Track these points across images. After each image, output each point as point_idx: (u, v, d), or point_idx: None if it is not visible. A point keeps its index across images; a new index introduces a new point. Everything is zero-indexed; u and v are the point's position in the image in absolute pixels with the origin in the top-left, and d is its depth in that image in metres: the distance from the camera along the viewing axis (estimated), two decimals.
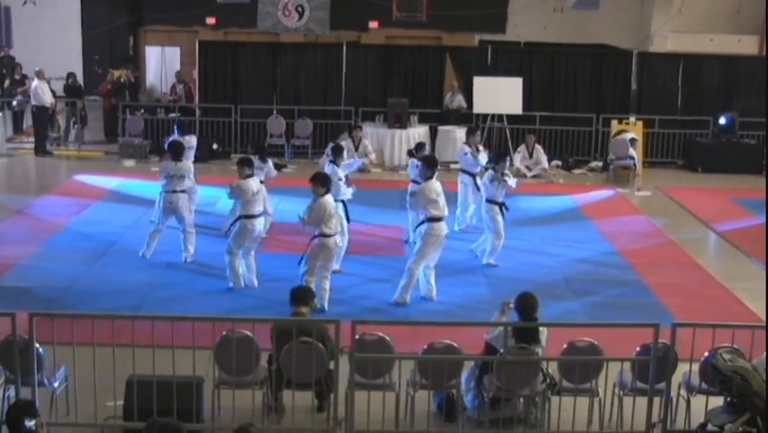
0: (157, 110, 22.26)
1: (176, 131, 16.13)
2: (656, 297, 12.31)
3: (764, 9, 25.10)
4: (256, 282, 12.16)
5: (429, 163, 11.99)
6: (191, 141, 15.92)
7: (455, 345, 8.29)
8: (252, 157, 13.31)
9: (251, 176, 12.19)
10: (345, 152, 14.28)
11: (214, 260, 12.70)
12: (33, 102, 21.04)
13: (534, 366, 8.20)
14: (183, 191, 13.17)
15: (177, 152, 13.47)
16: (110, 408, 8.16)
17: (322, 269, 11.21)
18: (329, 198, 11.15)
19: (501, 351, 8.12)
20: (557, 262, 13.69)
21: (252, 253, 12.22)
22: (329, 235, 11.08)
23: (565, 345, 8.37)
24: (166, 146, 14.69)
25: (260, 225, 12.18)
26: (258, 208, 12.12)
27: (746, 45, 25.48)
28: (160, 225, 13.38)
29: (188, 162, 13.80)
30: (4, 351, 7.87)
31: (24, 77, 22.72)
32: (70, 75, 22.89)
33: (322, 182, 11.16)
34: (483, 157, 14.69)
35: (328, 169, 12.99)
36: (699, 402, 8.29)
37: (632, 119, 21.00)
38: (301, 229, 11.63)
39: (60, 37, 24.87)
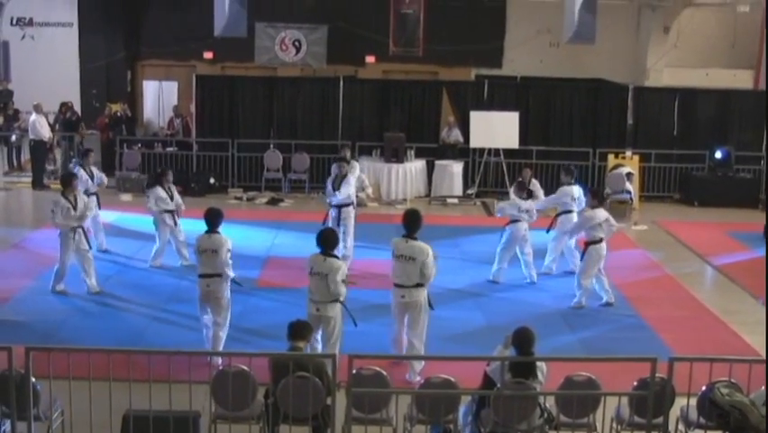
0: (154, 144, 22.33)
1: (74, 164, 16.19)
2: (653, 331, 12.30)
3: (759, 44, 25.30)
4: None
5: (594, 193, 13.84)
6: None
7: (452, 379, 8.26)
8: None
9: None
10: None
11: None
12: (31, 136, 21.14)
13: (531, 401, 8.16)
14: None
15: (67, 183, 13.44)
16: None
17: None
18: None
19: (499, 385, 8.10)
20: (553, 295, 13.69)
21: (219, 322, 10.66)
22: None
23: (562, 380, 8.35)
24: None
25: (205, 285, 10.54)
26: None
27: (741, 79, 25.61)
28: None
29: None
30: (1, 385, 7.84)
31: (17, 111, 22.76)
32: (64, 105, 22.97)
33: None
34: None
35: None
36: None
37: (628, 153, 21.08)
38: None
39: (58, 71, 24.91)
